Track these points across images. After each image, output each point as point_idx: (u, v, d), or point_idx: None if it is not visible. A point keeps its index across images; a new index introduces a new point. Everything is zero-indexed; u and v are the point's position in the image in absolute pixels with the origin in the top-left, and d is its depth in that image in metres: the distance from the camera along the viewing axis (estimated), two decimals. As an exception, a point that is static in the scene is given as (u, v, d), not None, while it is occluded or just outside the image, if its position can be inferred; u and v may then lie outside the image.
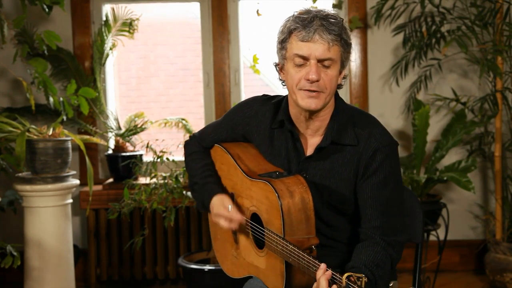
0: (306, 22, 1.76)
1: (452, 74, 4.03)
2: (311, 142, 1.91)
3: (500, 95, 3.70)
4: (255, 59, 4.06)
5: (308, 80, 1.78)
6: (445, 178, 3.57)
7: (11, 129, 3.24)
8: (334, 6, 3.98)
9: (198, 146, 2.16)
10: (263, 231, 1.87)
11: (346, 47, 1.81)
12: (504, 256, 3.62)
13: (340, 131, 1.86)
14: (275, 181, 1.81)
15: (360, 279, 1.53)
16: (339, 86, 1.89)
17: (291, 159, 1.92)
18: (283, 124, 1.93)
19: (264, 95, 2.06)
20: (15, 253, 3.04)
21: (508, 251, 3.61)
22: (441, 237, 3.77)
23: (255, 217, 1.94)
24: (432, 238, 3.81)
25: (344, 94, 4.06)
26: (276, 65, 1.91)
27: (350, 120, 1.88)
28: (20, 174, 3.30)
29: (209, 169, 2.09)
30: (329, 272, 1.60)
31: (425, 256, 3.78)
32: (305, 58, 1.78)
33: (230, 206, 1.95)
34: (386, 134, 1.87)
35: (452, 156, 3.93)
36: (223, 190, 2.06)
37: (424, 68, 3.93)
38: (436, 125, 3.99)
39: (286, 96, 1.95)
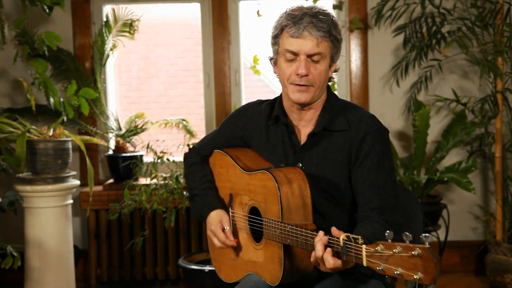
0: (296, 19, 1.85)
1: (453, 75, 4.03)
2: (305, 132, 1.98)
3: (501, 96, 3.70)
4: (255, 60, 4.06)
5: (298, 74, 1.86)
6: (445, 179, 3.57)
7: (11, 129, 3.24)
8: (334, 7, 3.98)
9: (196, 157, 2.23)
10: (261, 221, 1.91)
11: (335, 42, 1.88)
12: (505, 257, 3.62)
13: (332, 118, 1.93)
14: (273, 170, 1.89)
15: (357, 240, 1.55)
16: (330, 79, 1.97)
17: (287, 151, 1.98)
18: (278, 119, 2.00)
19: (258, 100, 2.15)
20: (15, 254, 3.04)
21: (508, 252, 3.61)
22: (442, 238, 3.77)
23: (253, 211, 1.98)
24: (433, 239, 3.81)
25: (344, 94, 4.06)
26: (271, 59, 1.99)
27: (341, 109, 1.95)
28: (20, 175, 3.30)
29: (208, 180, 2.16)
30: (326, 237, 1.64)
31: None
32: (295, 54, 1.86)
33: (227, 228, 2.03)
34: (376, 120, 1.94)
35: (453, 157, 3.93)
36: (221, 199, 2.13)
37: (424, 69, 3.93)
38: (436, 126, 3.99)
39: (280, 94, 2.03)
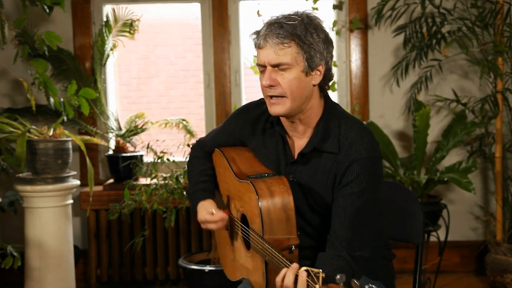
0: (258, 30, 1.81)
1: (453, 75, 4.03)
2: (298, 144, 1.91)
3: (501, 96, 3.70)
4: (255, 60, 4.06)
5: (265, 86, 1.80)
6: (445, 179, 3.57)
7: (11, 129, 3.24)
8: (334, 7, 3.98)
9: (200, 151, 2.21)
10: (248, 231, 1.89)
11: (305, 46, 1.75)
12: (505, 257, 3.62)
13: (324, 137, 1.84)
14: (257, 181, 1.83)
15: (317, 274, 1.51)
16: (322, 87, 1.86)
17: (280, 161, 1.93)
18: (273, 125, 1.94)
19: (261, 99, 2.05)
20: (15, 254, 3.04)
21: (508, 252, 3.61)
22: (442, 238, 3.77)
23: (244, 218, 1.97)
24: (433, 239, 3.81)
25: (344, 94, 4.06)
26: None
27: (336, 127, 1.85)
28: (20, 175, 3.30)
29: (204, 174, 2.14)
30: (296, 267, 1.60)
31: (425, 257, 3.78)
32: (262, 66, 1.80)
33: (213, 210, 2.00)
34: (368, 146, 1.81)
35: (453, 157, 3.93)
36: (219, 195, 2.11)
37: (424, 69, 3.93)
38: (436, 126, 3.99)
39: None
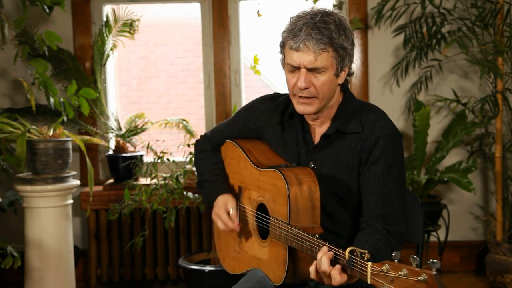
0: (295, 31, 1.80)
1: (453, 75, 4.03)
2: (319, 131, 1.96)
3: (501, 96, 3.70)
4: (255, 60, 4.06)
5: (299, 87, 1.84)
6: (445, 179, 3.57)
7: (11, 129, 3.24)
8: (334, 7, 3.98)
9: (208, 144, 2.22)
10: (268, 219, 1.90)
11: (340, 51, 1.82)
12: (505, 257, 3.62)
13: (347, 120, 1.91)
14: (284, 169, 1.86)
15: (363, 254, 1.53)
16: (344, 84, 1.93)
17: (300, 149, 1.97)
18: (293, 116, 1.97)
19: (275, 93, 2.12)
20: (15, 254, 3.04)
21: (508, 252, 3.61)
22: (442, 238, 3.77)
23: (261, 208, 1.97)
24: (433, 239, 3.81)
25: (344, 95, 4.06)
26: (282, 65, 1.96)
27: (357, 110, 1.93)
28: (20, 175, 3.30)
29: (218, 167, 2.15)
30: (331, 253, 1.61)
31: (425, 257, 3.78)
32: (295, 67, 1.84)
33: (231, 210, 2.01)
34: (391, 124, 1.92)
35: (453, 157, 3.93)
36: (231, 187, 2.12)
37: (424, 69, 3.93)
38: (436, 126, 3.99)
39: None
